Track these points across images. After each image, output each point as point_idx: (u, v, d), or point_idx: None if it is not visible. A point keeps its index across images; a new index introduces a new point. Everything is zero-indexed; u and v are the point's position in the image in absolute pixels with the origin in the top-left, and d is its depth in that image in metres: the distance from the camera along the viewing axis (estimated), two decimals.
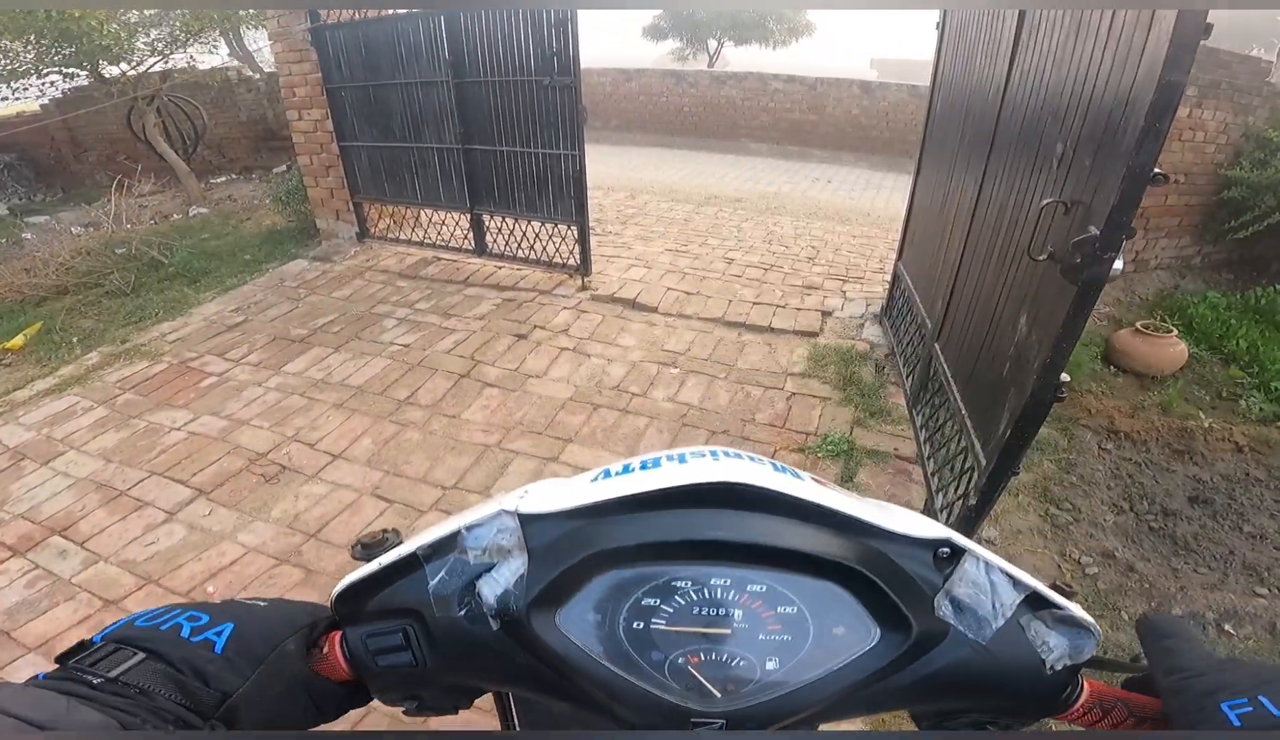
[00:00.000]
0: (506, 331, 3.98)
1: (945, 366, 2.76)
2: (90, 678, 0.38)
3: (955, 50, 3.27)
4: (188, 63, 7.85)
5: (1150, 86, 1.39)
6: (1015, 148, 2.27)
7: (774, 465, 0.50)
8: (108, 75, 7.11)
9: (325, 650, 0.50)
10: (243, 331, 4.18)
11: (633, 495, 0.46)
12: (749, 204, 7.11)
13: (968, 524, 2.15)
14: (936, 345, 2.92)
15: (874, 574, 0.45)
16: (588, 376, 3.55)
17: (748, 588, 0.46)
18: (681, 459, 0.50)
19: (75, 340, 4.31)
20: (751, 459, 0.50)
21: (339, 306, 4.41)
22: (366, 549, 0.53)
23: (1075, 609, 0.48)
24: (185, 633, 0.43)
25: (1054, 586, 0.49)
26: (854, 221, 6.62)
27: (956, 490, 2.34)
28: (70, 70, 7.06)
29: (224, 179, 8.67)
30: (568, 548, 0.46)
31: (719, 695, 0.45)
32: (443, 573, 0.48)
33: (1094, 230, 1.56)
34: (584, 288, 4.45)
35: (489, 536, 0.47)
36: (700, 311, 4.17)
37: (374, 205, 5.33)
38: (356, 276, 4.86)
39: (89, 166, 9.80)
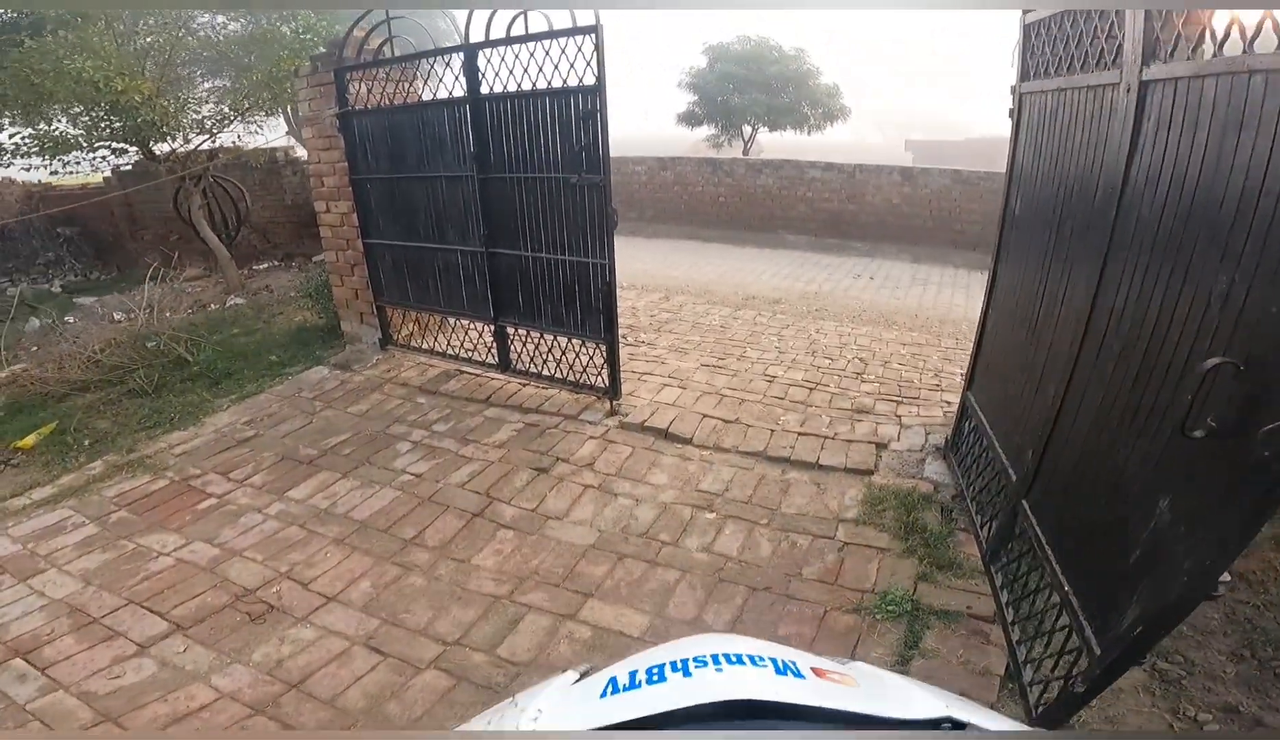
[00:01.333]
0: (527, 464, 3.67)
1: (1038, 529, 2.35)
2: None
3: (1038, 137, 2.88)
4: (235, 141, 8.03)
5: None
6: (1145, 271, 1.87)
7: (775, 665, 0.51)
8: (157, 152, 7.28)
9: None
10: (252, 447, 3.98)
11: (644, 719, 0.47)
12: (788, 305, 6.83)
13: (1069, 708, 1.88)
14: (1025, 503, 2.51)
15: None
16: (613, 520, 3.21)
17: None
18: (686, 671, 0.50)
19: (86, 443, 4.19)
20: (754, 661, 0.51)
21: (353, 424, 4.18)
22: None
23: None
24: None
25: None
26: (901, 326, 6.28)
27: (1054, 669, 2.05)
28: (120, 145, 7.25)
29: (265, 266, 8.78)
30: None
31: None
32: None
33: None
34: (612, 412, 4.14)
35: None
36: (739, 443, 3.81)
37: (397, 310, 5.19)
38: (375, 389, 4.65)
39: (144, 245, 10.10)
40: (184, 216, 7.93)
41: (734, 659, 0.51)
